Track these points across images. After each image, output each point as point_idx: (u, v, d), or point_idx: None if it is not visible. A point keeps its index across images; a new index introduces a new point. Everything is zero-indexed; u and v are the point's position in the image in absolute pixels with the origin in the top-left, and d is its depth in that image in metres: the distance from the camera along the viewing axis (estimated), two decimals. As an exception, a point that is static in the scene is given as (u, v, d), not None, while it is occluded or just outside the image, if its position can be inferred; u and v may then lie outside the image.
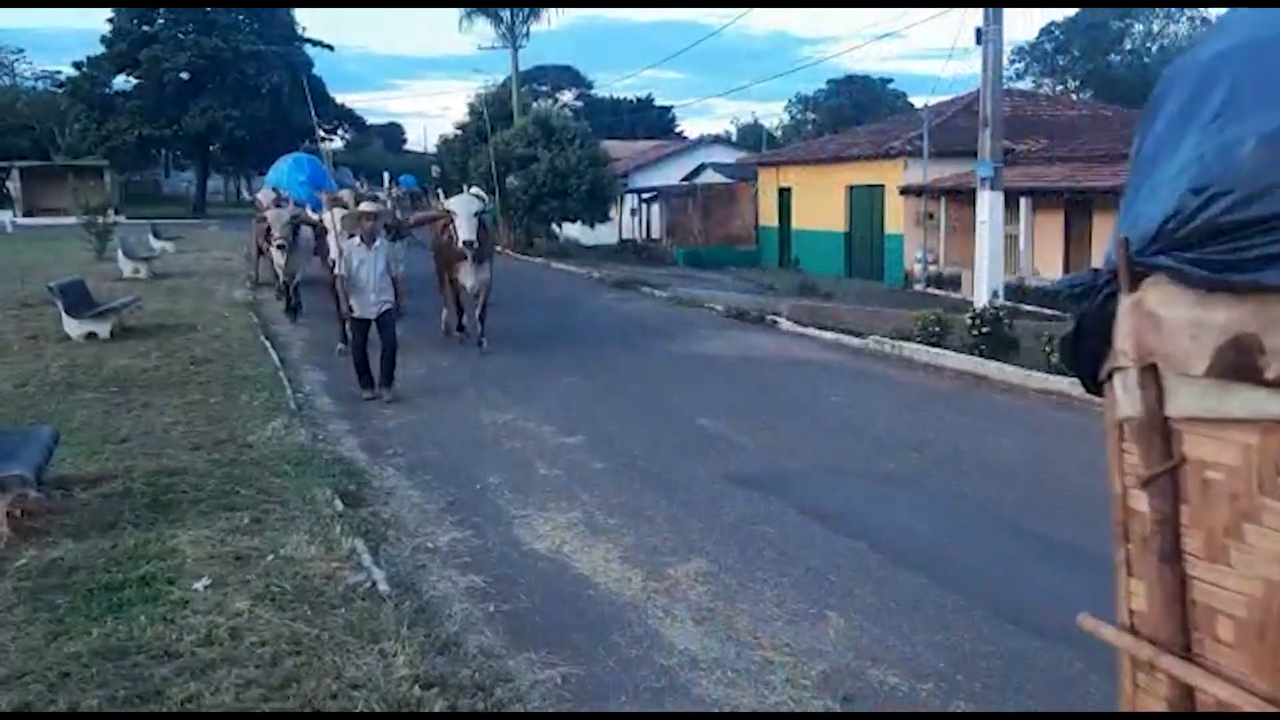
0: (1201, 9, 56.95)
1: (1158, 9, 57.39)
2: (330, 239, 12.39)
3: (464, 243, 12.89)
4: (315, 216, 14.33)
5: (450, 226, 13.24)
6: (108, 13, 55.35)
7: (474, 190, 14.20)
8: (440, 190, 15.99)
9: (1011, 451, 8.85)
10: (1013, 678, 4.81)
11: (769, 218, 32.73)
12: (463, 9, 39.72)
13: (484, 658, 4.90)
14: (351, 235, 10.99)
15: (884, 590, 5.82)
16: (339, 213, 12.09)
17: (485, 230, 13.84)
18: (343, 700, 4.39)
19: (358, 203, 12.31)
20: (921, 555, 6.36)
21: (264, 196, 18.03)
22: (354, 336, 10.85)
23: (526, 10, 39.28)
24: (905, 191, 25.13)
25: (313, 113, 16.14)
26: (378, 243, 10.78)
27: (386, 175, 26.33)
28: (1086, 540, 6.62)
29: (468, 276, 13.42)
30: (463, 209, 13.09)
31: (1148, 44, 58.86)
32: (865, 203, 27.45)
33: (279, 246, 15.69)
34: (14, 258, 26.93)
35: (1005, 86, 20.35)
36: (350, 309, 10.75)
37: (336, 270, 10.58)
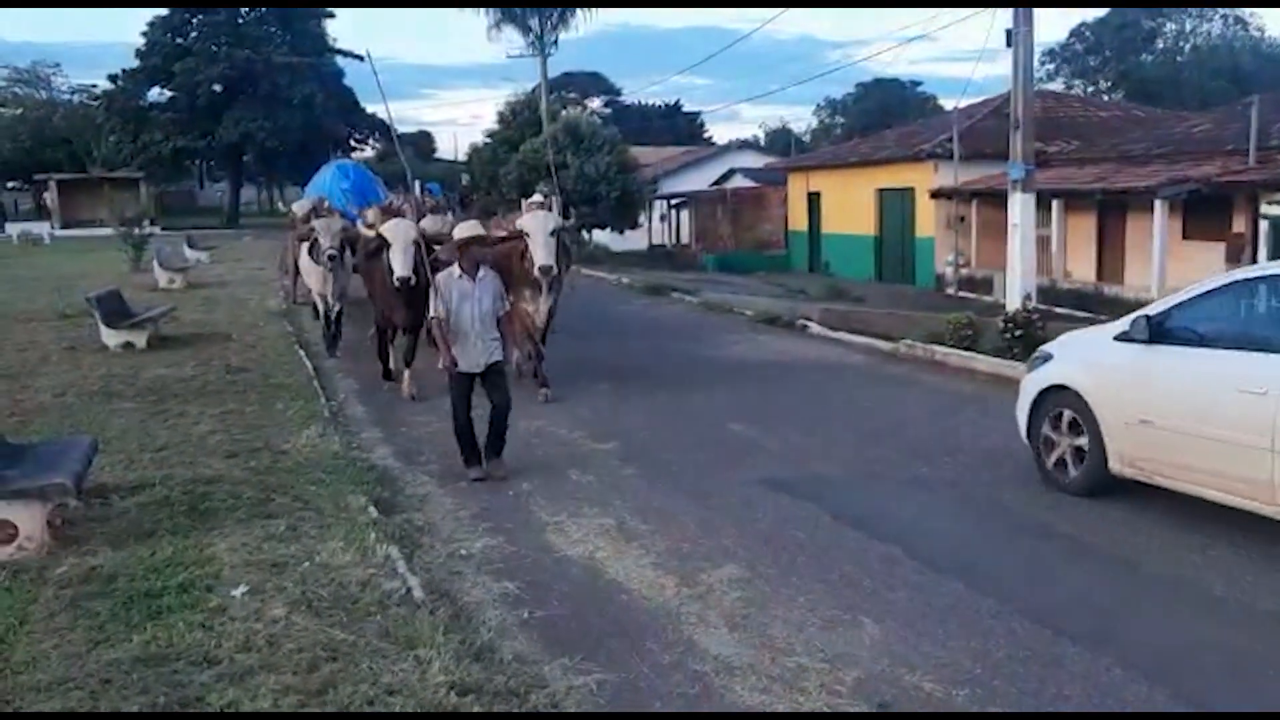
0: (1234, 9, 56.45)
1: (1190, 8, 56.86)
2: (395, 255, 10.74)
3: (540, 269, 10.77)
4: (364, 231, 12.23)
5: (526, 249, 10.93)
6: (142, 26, 56.36)
7: (543, 199, 11.93)
8: (515, 202, 14.02)
9: (1046, 455, 8.76)
10: (1049, 683, 4.77)
11: (798, 222, 32.65)
12: (489, 8, 39.91)
13: (519, 664, 4.93)
14: (447, 264, 9.00)
15: (919, 596, 5.80)
16: (399, 226, 10.86)
17: (567, 253, 11.93)
18: (379, 706, 4.43)
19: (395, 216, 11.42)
20: (956, 560, 6.32)
21: (299, 208, 16.07)
22: (454, 395, 8.48)
23: (555, 17, 39.43)
24: (936, 194, 24.98)
25: (386, 106, 15.79)
26: (481, 273, 8.55)
27: (418, 184, 26.48)
28: (1120, 544, 6.58)
29: (536, 306, 11.50)
30: (539, 229, 10.85)
31: (1180, 43, 58.32)
32: (895, 206, 27.31)
33: (330, 257, 13.26)
34: (52, 269, 27.40)
35: (1036, 88, 20.17)
36: (452, 361, 8.32)
37: (432, 309, 8.42)
